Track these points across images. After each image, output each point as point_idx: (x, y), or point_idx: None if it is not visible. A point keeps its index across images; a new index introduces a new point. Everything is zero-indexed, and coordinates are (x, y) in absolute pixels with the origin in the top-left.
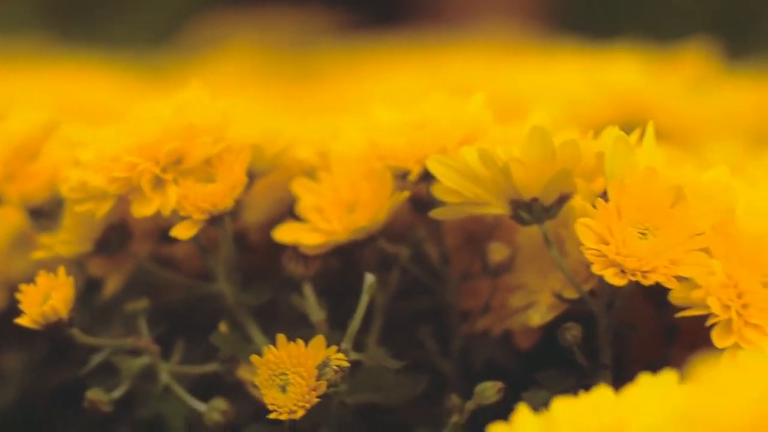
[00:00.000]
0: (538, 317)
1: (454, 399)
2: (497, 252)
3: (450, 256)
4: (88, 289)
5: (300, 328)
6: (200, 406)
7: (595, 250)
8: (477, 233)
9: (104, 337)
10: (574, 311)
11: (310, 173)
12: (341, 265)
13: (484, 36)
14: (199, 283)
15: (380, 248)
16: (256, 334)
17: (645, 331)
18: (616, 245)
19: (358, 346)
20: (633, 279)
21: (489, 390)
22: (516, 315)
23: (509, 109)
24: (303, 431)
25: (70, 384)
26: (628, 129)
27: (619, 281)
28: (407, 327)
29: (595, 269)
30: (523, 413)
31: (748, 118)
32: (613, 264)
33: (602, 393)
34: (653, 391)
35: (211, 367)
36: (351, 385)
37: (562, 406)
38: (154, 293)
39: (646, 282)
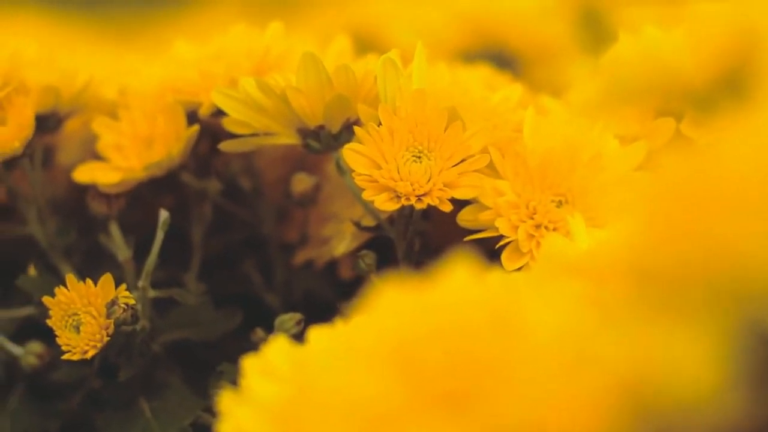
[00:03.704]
0: (342, 246)
1: (259, 332)
2: (300, 182)
3: (269, 189)
4: None
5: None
6: (17, 350)
7: (366, 175)
8: (296, 165)
9: None
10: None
11: (114, 111)
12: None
13: None
14: (11, 226)
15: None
16: (69, 275)
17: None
18: (388, 170)
19: (179, 283)
20: (407, 203)
21: (288, 322)
22: (328, 245)
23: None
24: (111, 371)
25: None
26: (485, 56)
27: (391, 206)
28: (235, 262)
29: (367, 195)
30: (276, 343)
31: None
32: (386, 189)
33: (356, 319)
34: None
35: (26, 311)
36: (167, 323)
37: (316, 333)
38: None
39: (420, 206)
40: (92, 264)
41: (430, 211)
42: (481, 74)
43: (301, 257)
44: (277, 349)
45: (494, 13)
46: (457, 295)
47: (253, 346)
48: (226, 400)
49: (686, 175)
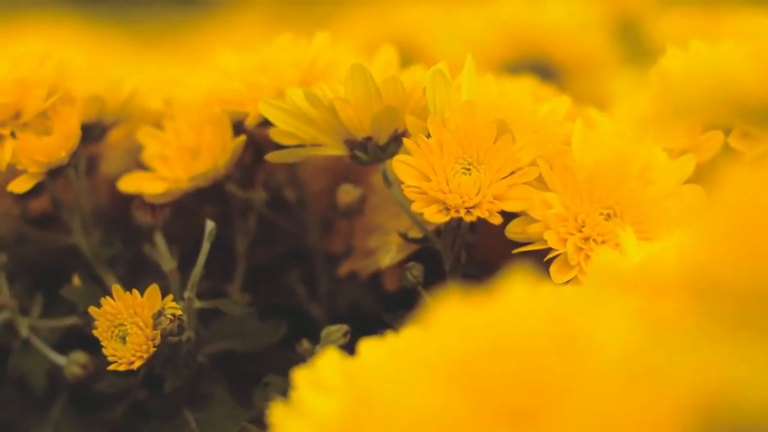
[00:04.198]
0: (388, 258)
1: (305, 344)
2: (346, 194)
3: (313, 200)
4: None
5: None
6: (60, 360)
7: (416, 187)
8: (340, 176)
9: None
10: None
11: (160, 122)
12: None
13: None
14: (56, 236)
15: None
16: (113, 285)
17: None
18: (438, 182)
19: (223, 293)
20: (456, 216)
21: (334, 334)
22: (373, 257)
23: (405, 53)
24: (156, 381)
25: None
26: (527, 67)
27: (440, 218)
28: (279, 273)
29: (416, 207)
30: (327, 355)
31: None
32: (436, 201)
33: (408, 333)
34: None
35: (70, 321)
36: (211, 333)
37: (367, 346)
38: (28, 248)
39: (469, 218)
40: (135, 274)
41: (476, 223)
42: (526, 86)
43: (345, 269)
44: (328, 361)
45: (536, 24)
46: (518, 310)
47: (298, 358)
48: (277, 413)
49: (755, 189)
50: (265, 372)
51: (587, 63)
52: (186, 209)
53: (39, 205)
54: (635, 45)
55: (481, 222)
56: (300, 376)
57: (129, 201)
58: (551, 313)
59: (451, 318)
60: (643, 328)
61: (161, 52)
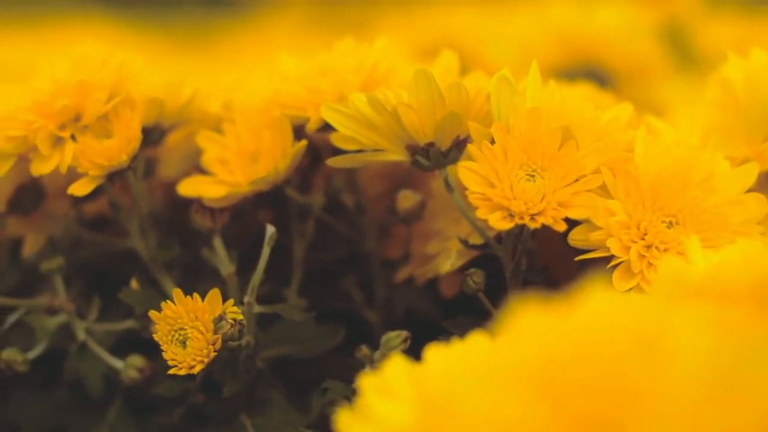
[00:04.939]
0: (448, 264)
1: (364, 349)
2: (406, 199)
3: (370, 205)
4: (15, 250)
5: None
6: (117, 363)
7: (480, 193)
8: (398, 181)
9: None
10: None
11: (219, 126)
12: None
13: None
14: (113, 240)
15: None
16: (170, 289)
17: (568, 272)
18: (502, 188)
19: (281, 298)
20: (520, 222)
21: (394, 340)
22: (433, 263)
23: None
24: (214, 386)
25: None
26: (579, 73)
27: (505, 225)
28: (334, 278)
29: (481, 213)
30: (394, 362)
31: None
32: (500, 207)
33: (474, 339)
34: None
35: (127, 324)
36: (269, 338)
37: (434, 353)
38: (82, 252)
39: (534, 225)
40: (191, 278)
41: (536, 230)
42: (584, 92)
43: (403, 274)
44: (395, 368)
45: (590, 31)
46: (597, 318)
47: (354, 363)
48: (344, 419)
49: None
50: (321, 377)
51: (639, 70)
52: (242, 213)
53: (93, 207)
54: (682, 51)
55: (541, 228)
56: (366, 382)
57: (184, 204)
58: (630, 320)
59: (529, 325)
60: (721, 335)
61: (196, 54)
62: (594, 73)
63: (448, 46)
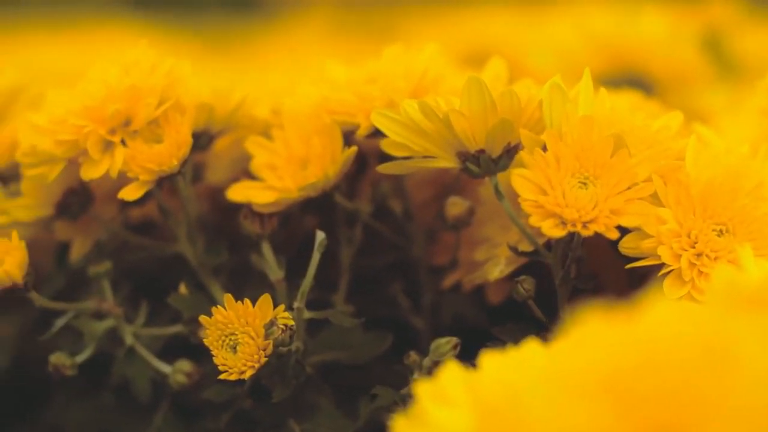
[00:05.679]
0: (497, 271)
1: (413, 356)
2: (455, 206)
3: (416, 212)
4: (63, 253)
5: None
6: (165, 368)
7: (533, 201)
8: (446, 188)
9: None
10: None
11: (267, 131)
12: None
13: None
14: (162, 245)
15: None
16: (218, 294)
17: (618, 281)
18: (554, 196)
19: (327, 304)
20: (573, 230)
21: (444, 346)
22: (481, 269)
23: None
24: (262, 391)
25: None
26: (620, 79)
27: (557, 232)
28: (380, 284)
29: (533, 221)
30: (449, 368)
31: None
32: (552, 215)
33: (529, 346)
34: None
35: (175, 329)
36: (316, 344)
37: (489, 360)
38: (128, 256)
39: (586, 233)
40: (237, 283)
41: (585, 237)
42: (631, 100)
43: (450, 281)
44: (450, 374)
45: (631, 38)
46: (664, 327)
47: (401, 369)
48: (400, 425)
49: None
50: (367, 383)
51: (681, 77)
52: (288, 219)
53: (138, 212)
54: (721, 59)
55: (589, 236)
56: (422, 388)
57: (229, 209)
58: (695, 330)
59: (594, 333)
60: None
61: (222, 58)
62: (635, 81)
63: (485, 52)
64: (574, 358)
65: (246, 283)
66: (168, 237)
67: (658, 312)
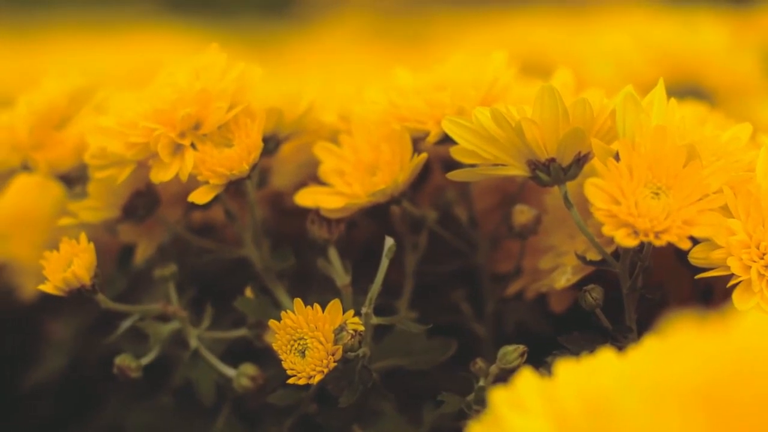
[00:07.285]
0: (563, 279)
1: (480, 363)
2: (522, 214)
3: (479, 219)
4: (125, 256)
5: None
6: (229, 372)
7: (606, 210)
8: (509, 195)
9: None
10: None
11: (334, 136)
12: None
13: None
14: (227, 248)
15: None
16: (283, 298)
17: (681, 290)
18: (627, 205)
19: (390, 310)
20: (645, 240)
21: (511, 354)
22: (546, 278)
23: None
24: (328, 396)
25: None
26: (678, 89)
27: (630, 242)
28: (442, 291)
29: (606, 230)
30: (525, 376)
31: None
32: (625, 224)
33: (605, 356)
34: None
35: (239, 332)
36: (380, 350)
37: (565, 368)
38: (191, 259)
39: (659, 243)
40: (300, 288)
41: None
42: (696, 111)
43: (514, 288)
44: (526, 382)
45: (690, 49)
46: (758, 338)
47: (465, 376)
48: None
49: None
50: (430, 389)
51: (739, 88)
52: (354, 224)
53: (199, 215)
54: None
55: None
56: (498, 396)
57: (291, 214)
58: None
59: (687, 343)
60: None
61: (256, 62)
62: (693, 91)
63: (537, 61)
64: (668, 367)
65: (308, 288)
66: (228, 240)
67: (751, 322)
